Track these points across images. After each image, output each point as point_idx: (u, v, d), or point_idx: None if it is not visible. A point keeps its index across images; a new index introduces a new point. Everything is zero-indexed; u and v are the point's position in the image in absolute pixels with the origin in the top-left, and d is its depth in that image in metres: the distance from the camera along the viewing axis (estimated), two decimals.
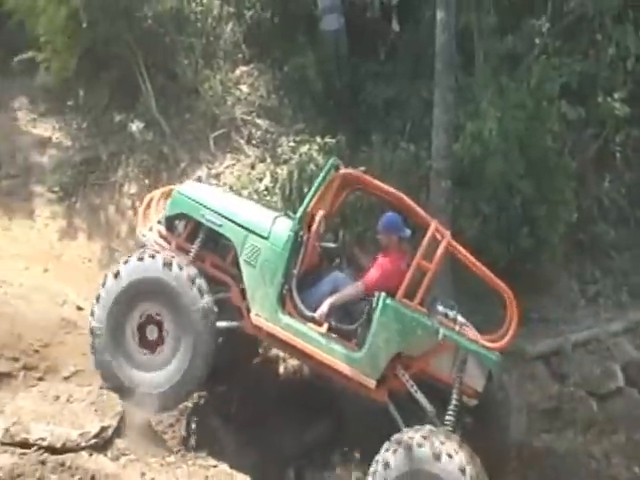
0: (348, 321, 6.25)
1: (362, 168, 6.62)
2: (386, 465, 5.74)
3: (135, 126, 9.15)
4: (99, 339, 6.26)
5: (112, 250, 8.63)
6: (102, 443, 5.85)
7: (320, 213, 6.36)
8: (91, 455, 5.74)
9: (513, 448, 6.83)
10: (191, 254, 6.40)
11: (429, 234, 6.16)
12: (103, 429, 5.88)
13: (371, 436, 6.24)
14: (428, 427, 5.88)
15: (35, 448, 5.66)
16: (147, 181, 8.97)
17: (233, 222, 6.35)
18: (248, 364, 7.36)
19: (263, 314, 6.23)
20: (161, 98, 9.28)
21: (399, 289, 6.08)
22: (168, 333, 6.24)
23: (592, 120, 8.74)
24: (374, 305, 6.09)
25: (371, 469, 5.85)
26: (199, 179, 8.62)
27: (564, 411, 7.74)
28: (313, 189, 6.40)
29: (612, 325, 8.31)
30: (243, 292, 6.33)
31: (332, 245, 6.93)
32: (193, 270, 6.24)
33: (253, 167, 8.90)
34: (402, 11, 9.47)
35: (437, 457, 5.63)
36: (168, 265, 6.18)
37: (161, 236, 6.61)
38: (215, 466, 6.18)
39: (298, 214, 6.31)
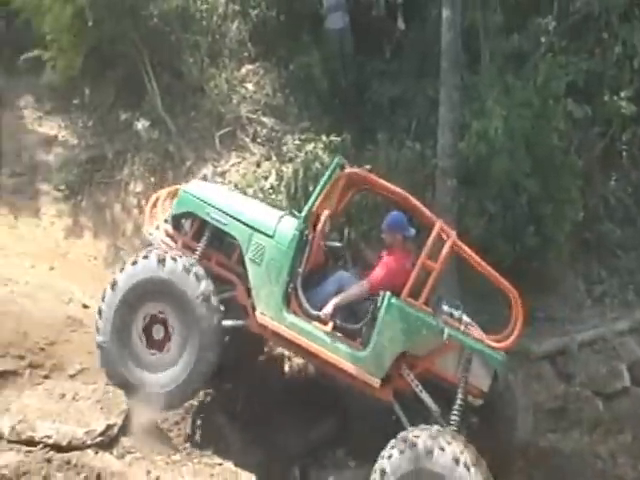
0: (353, 320, 6.25)
1: (368, 166, 6.61)
2: (391, 463, 5.73)
3: (141, 124, 9.17)
4: (106, 352, 6.28)
5: (118, 248, 8.65)
6: (108, 441, 5.86)
7: (325, 212, 6.36)
8: (97, 453, 5.76)
9: (519, 448, 6.82)
10: (197, 252, 6.42)
11: (434, 234, 6.15)
12: (109, 427, 5.90)
13: (376, 435, 6.22)
14: (435, 427, 5.87)
15: (41, 446, 5.68)
16: (153, 179, 8.98)
17: (239, 221, 6.37)
18: (253, 362, 7.36)
19: (268, 312, 6.23)
20: (167, 96, 9.29)
21: (404, 288, 6.07)
22: (174, 329, 6.25)
23: (598, 119, 8.72)
24: (379, 304, 6.09)
25: (376, 466, 5.83)
26: (205, 177, 8.65)
27: (570, 411, 7.72)
28: (318, 188, 6.40)
29: (618, 324, 8.29)
30: (249, 291, 6.33)
31: (337, 244, 6.93)
32: (188, 260, 6.24)
33: (258, 165, 8.90)
34: (407, 9, 9.46)
35: (443, 457, 5.61)
36: (162, 261, 6.18)
37: (168, 235, 6.64)
38: (220, 464, 6.18)
39: (303, 213, 6.31)
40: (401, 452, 5.71)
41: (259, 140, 9.17)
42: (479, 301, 7.12)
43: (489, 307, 7.09)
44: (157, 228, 6.72)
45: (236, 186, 8.44)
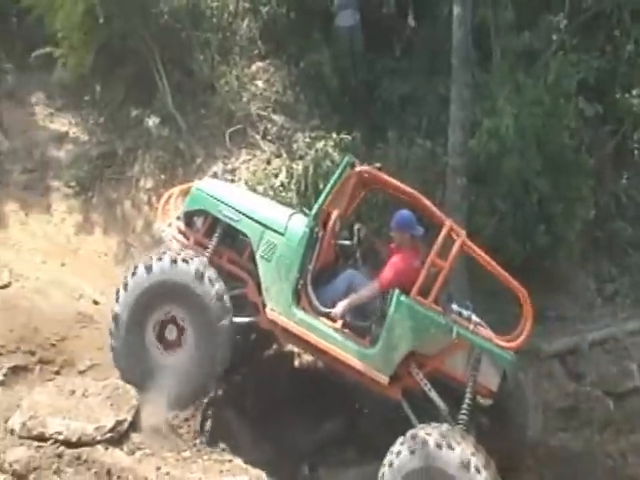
0: (362, 317, 6.26)
1: (378, 164, 6.60)
2: (400, 459, 5.72)
3: (151, 121, 9.18)
4: (120, 352, 6.31)
5: (128, 245, 8.66)
6: (118, 437, 5.89)
7: (336, 211, 6.36)
8: (107, 449, 5.78)
9: (529, 447, 6.80)
10: (209, 249, 6.45)
11: (443, 233, 6.15)
12: (118, 423, 5.92)
13: (385, 432, 6.22)
14: (445, 425, 5.85)
15: (51, 442, 5.72)
16: (163, 176, 9.00)
17: (250, 218, 6.40)
18: (262, 358, 7.38)
19: (278, 309, 6.25)
20: (177, 94, 9.30)
21: (413, 286, 6.07)
22: (186, 329, 6.28)
23: (610, 117, 8.69)
24: (388, 302, 6.09)
25: (384, 462, 5.82)
26: (215, 175, 8.65)
27: (581, 410, 7.70)
28: (329, 186, 6.41)
29: (629, 324, 8.27)
30: (259, 288, 6.35)
31: (348, 243, 6.93)
32: (201, 262, 6.25)
33: (269, 163, 8.91)
34: (418, 7, 9.45)
35: (452, 456, 5.59)
36: (175, 263, 6.20)
37: (180, 232, 6.67)
38: (230, 461, 6.19)
39: (313, 211, 6.32)
40: (410, 449, 5.70)
41: (269, 138, 9.18)
42: (489, 300, 7.11)
43: (499, 306, 7.07)
44: (169, 225, 6.75)
45: (246, 183, 8.46)
